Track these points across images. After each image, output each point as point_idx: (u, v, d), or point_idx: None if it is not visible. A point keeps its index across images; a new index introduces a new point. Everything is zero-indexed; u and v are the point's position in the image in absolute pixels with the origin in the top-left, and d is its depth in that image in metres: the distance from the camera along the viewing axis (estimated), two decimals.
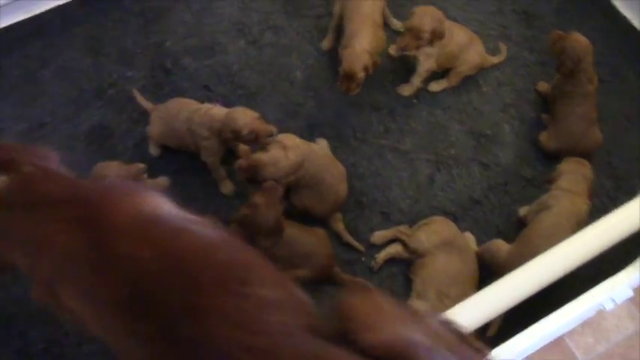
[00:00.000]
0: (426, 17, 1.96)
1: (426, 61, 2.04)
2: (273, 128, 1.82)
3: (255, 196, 1.72)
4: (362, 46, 1.93)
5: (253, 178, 1.76)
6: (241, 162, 1.76)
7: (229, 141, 1.81)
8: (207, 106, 1.87)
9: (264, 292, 1.02)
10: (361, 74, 1.91)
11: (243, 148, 1.88)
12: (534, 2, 2.33)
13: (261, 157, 1.76)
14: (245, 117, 1.77)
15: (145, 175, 1.73)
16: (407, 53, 2.05)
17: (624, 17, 2.28)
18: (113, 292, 1.03)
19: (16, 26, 2.16)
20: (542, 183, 1.92)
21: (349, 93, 1.95)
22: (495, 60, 2.17)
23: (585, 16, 2.28)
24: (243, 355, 0.94)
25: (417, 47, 1.99)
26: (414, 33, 1.97)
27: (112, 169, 1.66)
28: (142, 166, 1.70)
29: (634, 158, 2.03)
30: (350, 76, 1.91)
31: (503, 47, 2.19)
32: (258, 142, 1.79)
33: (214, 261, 1.04)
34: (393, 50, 2.14)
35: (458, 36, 2.06)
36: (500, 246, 1.76)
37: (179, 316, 0.99)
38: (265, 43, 2.17)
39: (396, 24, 2.20)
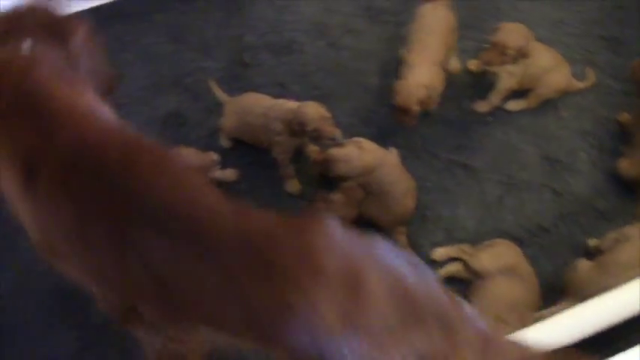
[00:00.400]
0: (512, 34, 1.93)
1: (508, 79, 2.00)
2: (337, 131, 1.81)
3: (334, 193, 1.73)
4: (418, 79, 1.86)
5: (325, 172, 1.79)
6: (316, 155, 1.77)
7: (298, 134, 1.81)
8: (282, 101, 1.89)
9: None
10: (416, 108, 1.85)
11: (312, 148, 1.89)
12: (624, 28, 2.25)
13: (336, 152, 1.77)
14: (314, 113, 1.77)
15: (218, 167, 1.75)
16: (488, 69, 2.01)
17: None
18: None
19: (100, 8, 2.21)
20: (615, 216, 1.86)
21: (404, 125, 1.90)
22: (581, 85, 2.10)
23: None
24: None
25: (501, 63, 1.95)
26: (499, 48, 1.93)
27: (188, 156, 1.69)
28: (215, 157, 1.72)
29: None
30: (404, 110, 1.86)
31: (590, 73, 2.12)
32: (320, 140, 1.80)
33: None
34: (472, 65, 2.11)
35: (544, 57, 2.01)
36: (583, 265, 1.71)
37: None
38: (344, 46, 2.17)
39: (456, 66, 2.12)
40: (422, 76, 1.87)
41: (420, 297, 1.02)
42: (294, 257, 1.01)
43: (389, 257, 1.07)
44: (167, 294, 1.06)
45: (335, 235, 1.05)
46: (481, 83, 2.09)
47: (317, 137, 1.79)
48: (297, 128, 1.78)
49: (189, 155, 1.71)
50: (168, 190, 1.05)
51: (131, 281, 1.08)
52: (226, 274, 1.01)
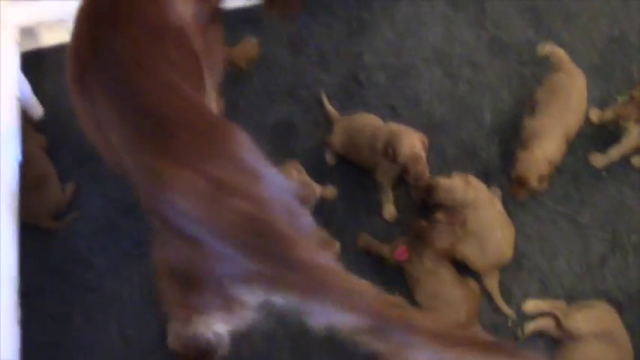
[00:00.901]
0: None
1: (637, 138, 1.91)
2: (425, 173, 1.79)
3: (439, 212, 1.76)
4: (545, 153, 1.78)
5: (426, 198, 1.82)
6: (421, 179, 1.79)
7: (391, 159, 1.80)
8: (391, 124, 1.89)
9: None
10: (535, 184, 1.78)
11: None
12: None
13: (441, 180, 1.79)
14: (409, 147, 1.76)
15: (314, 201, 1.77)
16: (620, 122, 1.93)
17: None
18: None
19: (232, 13, 2.28)
20: None
21: (517, 198, 1.83)
22: None
23: None
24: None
25: (636, 120, 1.87)
26: (638, 104, 1.86)
27: (293, 173, 1.73)
28: (318, 190, 1.76)
29: None
30: (522, 183, 1.78)
31: None
32: (406, 174, 1.79)
33: None
34: (594, 116, 2.02)
35: None
36: None
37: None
38: (461, 77, 2.13)
39: (596, 114, 2.03)
40: (550, 150, 1.79)
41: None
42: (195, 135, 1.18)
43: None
44: None
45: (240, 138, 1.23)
46: (600, 134, 2.01)
47: (404, 171, 1.79)
48: (390, 152, 1.78)
49: (296, 173, 1.75)
50: None
51: None
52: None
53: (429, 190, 1.80)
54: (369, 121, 1.92)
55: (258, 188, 1.18)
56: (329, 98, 2.06)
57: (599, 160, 1.97)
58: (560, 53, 1.97)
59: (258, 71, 2.15)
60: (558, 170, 1.96)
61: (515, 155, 1.85)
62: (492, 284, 1.78)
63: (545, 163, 1.78)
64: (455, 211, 1.76)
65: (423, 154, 1.76)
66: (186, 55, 1.37)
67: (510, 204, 1.89)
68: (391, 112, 2.07)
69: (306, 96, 2.11)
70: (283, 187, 1.27)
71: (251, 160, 1.21)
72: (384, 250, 1.81)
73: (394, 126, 1.85)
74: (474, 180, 1.82)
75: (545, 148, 1.79)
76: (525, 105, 1.99)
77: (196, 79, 1.39)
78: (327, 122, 2.02)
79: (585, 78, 1.93)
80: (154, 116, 1.20)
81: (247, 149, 1.23)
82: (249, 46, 2.15)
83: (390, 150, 1.77)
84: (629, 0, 2.23)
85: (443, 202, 1.79)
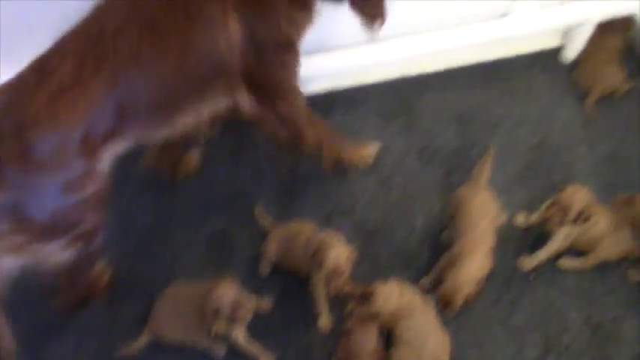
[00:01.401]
0: (577, 196, 1.94)
1: (562, 240, 1.98)
2: (344, 289, 1.82)
3: (350, 321, 1.73)
4: (469, 273, 1.81)
5: (360, 303, 1.81)
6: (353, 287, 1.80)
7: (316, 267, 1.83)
8: (325, 233, 1.92)
9: None
10: (460, 302, 1.81)
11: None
12: None
13: (379, 286, 1.79)
14: (335, 259, 1.79)
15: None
16: (543, 225, 2.02)
17: None
18: None
19: None
20: None
21: (444, 313, 1.85)
22: None
23: None
24: None
25: (560, 223, 1.95)
26: (562, 208, 1.94)
27: (226, 291, 1.75)
28: (252, 306, 1.78)
29: None
30: (448, 302, 1.82)
31: None
32: (327, 285, 1.82)
33: None
34: (521, 220, 2.10)
35: (604, 220, 1.98)
36: None
37: None
38: (393, 185, 2.21)
39: (522, 218, 2.12)
40: (475, 269, 1.82)
41: None
42: None
43: None
44: None
45: None
46: (527, 237, 2.08)
47: (326, 282, 1.81)
48: (317, 262, 1.80)
49: (230, 289, 1.76)
50: None
51: None
52: None
53: (367, 295, 1.81)
54: (303, 229, 1.95)
55: None
56: (264, 208, 2.10)
57: (527, 263, 2.03)
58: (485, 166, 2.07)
59: (194, 182, 2.19)
60: (490, 274, 2.00)
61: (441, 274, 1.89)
62: None
63: (471, 284, 1.82)
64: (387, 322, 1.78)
65: (346, 269, 1.79)
66: None
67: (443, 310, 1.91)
68: (326, 221, 2.12)
69: (241, 206, 2.14)
70: None
71: None
72: None
73: (327, 236, 1.89)
74: (407, 287, 1.85)
75: (472, 267, 1.83)
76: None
77: None
78: (263, 232, 2.05)
79: (489, 192, 2.01)
80: None
81: None
82: (191, 160, 2.20)
83: (317, 258, 1.80)
84: (547, 108, 2.39)
85: (377, 311, 1.80)
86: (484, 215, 1.92)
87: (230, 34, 1.62)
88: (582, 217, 1.93)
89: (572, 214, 1.92)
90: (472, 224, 1.89)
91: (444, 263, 1.90)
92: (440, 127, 2.33)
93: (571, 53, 2.49)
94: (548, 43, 2.54)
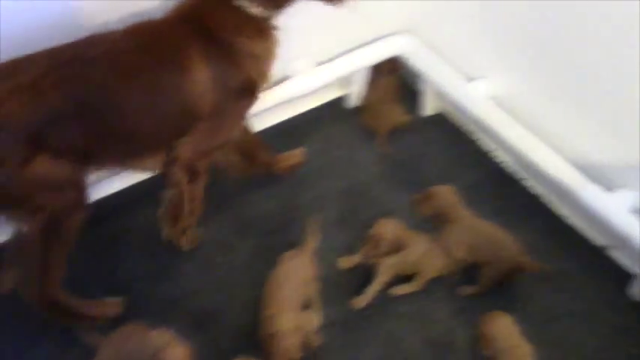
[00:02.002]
0: (386, 227, 2.09)
1: (385, 272, 2.10)
2: None
3: None
4: (285, 327, 1.86)
5: None
6: None
7: None
8: (159, 334, 1.87)
9: None
10: (298, 355, 1.86)
11: None
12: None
13: None
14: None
15: None
16: (365, 262, 2.12)
17: (560, 217, 2.41)
18: None
19: None
20: None
21: None
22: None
23: (525, 217, 2.39)
24: None
25: (376, 256, 2.06)
26: (374, 241, 2.07)
27: None
28: None
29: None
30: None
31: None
32: None
33: None
34: (345, 263, 2.20)
35: (420, 244, 2.14)
36: None
37: None
38: (216, 265, 2.21)
39: (345, 261, 2.22)
40: (287, 323, 1.87)
41: None
42: None
43: None
44: None
45: None
46: (356, 279, 2.18)
47: None
48: None
49: None
50: None
51: None
52: None
53: None
54: (132, 334, 1.88)
55: None
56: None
57: (359, 302, 2.12)
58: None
59: None
60: (329, 323, 2.06)
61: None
62: None
63: (291, 335, 1.85)
64: None
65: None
66: None
67: None
68: (156, 320, 2.05)
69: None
70: None
71: None
72: None
73: (159, 337, 1.83)
74: None
75: (283, 322, 1.87)
76: None
77: None
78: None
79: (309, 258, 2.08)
80: None
81: None
82: None
83: None
84: (346, 153, 2.55)
85: None
86: (294, 276, 1.98)
87: (196, 78, 1.72)
88: (397, 247, 2.07)
89: (385, 246, 2.05)
90: (279, 285, 1.96)
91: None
92: (250, 194, 2.40)
93: (354, 99, 2.71)
94: (334, 93, 2.74)
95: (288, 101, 2.51)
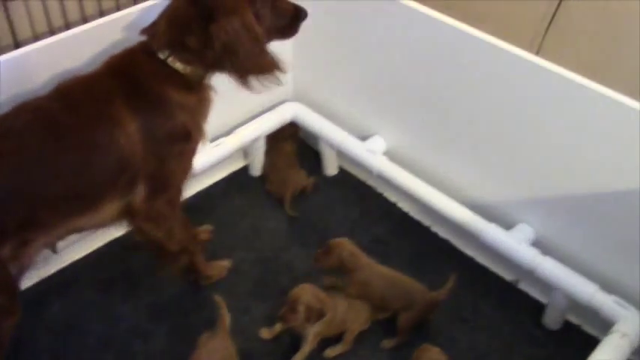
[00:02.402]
0: (301, 292, 2.06)
1: (312, 340, 2.07)
2: None
3: None
4: None
5: None
6: None
7: None
8: None
9: None
10: None
11: None
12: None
13: None
14: None
15: None
16: (287, 329, 2.10)
17: (469, 257, 2.49)
18: None
19: None
20: None
21: None
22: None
23: (437, 262, 2.45)
24: None
25: (296, 322, 2.03)
26: (291, 305, 2.04)
27: None
28: None
29: None
30: None
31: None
32: None
33: None
34: (266, 334, 2.16)
35: (340, 302, 2.13)
36: None
37: None
38: (135, 352, 2.11)
39: (266, 331, 2.19)
40: None
41: None
42: None
43: None
44: None
45: None
46: (282, 347, 2.14)
47: None
48: None
49: None
50: None
51: None
52: None
53: None
54: None
55: None
56: None
57: None
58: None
59: None
60: None
61: None
62: None
63: None
64: None
65: None
66: None
67: None
68: None
69: None
70: None
71: None
72: None
73: None
74: None
75: None
76: None
77: None
78: None
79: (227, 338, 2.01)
80: None
81: None
82: None
83: None
84: (255, 223, 2.55)
85: None
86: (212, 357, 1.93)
87: (127, 130, 1.71)
88: (313, 313, 2.05)
89: (303, 311, 2.03)
90: None
91: None
92: (162, 278, 2.33)
93: (257, 167, 2.73)
94: (236, 165, 2.75)
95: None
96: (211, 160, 2.48)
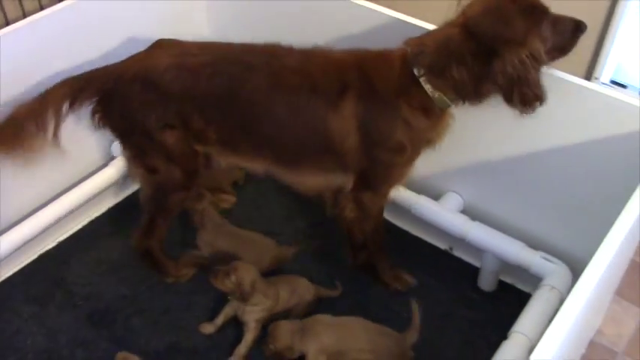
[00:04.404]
0: (245, 268, 2.05)
1: (254, 328, 2.08)
2: None
3: None
4: None
5: None
6: None
7: None
8: None
9: None
10: None
11: None
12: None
13: None
14: None
15: None
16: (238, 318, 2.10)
17: (405, 231, 2.54)
18: None
19: None
20: None
21: None
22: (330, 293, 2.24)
23: None
24: None
25: (219, 284, 2.04)
26: (228, 271, 2.04)
27: None
28: None
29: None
30: None
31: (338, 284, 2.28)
32: None
33: None
34: (207, 328, 2.15)
35: (284, 291, 2.13)
36: None
37: None
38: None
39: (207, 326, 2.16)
40: None
41: None
42: None
43: None
44: None
45: None
46: (222, 342, 2.14)
47: None
48: None
49: None
50: None
51: None
52: None
53: None
54: None
55: None
56: None
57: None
58: None
59: None
60: None
61: None
62: None
63: None
64: None
65: None
66: None
67: None
68: None
69: None
70: None
71: None
72: None
73: None
74: None
75: None
76: None
77: None
78: None
79: None
80: None
81: None
82: None
83: None
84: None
85: None
86: None
87: (343, 120, 1.79)
88: (240, 294, 2.03)
89: (231, 284, 2.02)
90: None
91: None
92: (99, 280, 2.30)
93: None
94: None
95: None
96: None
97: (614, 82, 2.87)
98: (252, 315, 2.07)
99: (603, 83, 2.87)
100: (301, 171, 1.98)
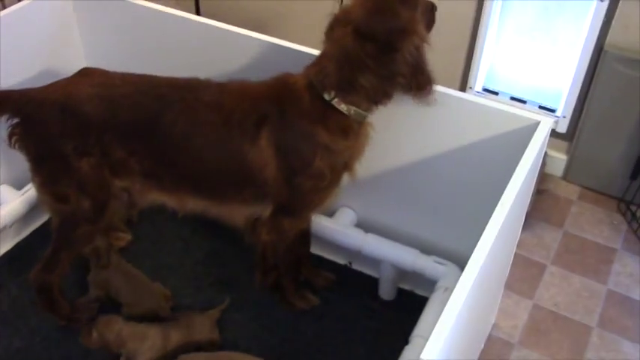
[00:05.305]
0: (108, 322, 2.02)
1: None
2: None
3: None
4: None
5: None
6: None
7: None
8: None
9: None
10: None
11: None
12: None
13: None
14: None
15: None
16: None
17: None
18: None
19: None
20: None
21: None
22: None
23: None
24: None
25: (88, 342, 1.99)
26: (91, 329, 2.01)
27: None
28: None
29: None
30: None
31: None
32: None
33: None
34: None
35: (175, 331, 2.08)
36: None
37: None
38: None
39: None
40: None
41: None
42: None
43: None
44: None
45: None
46: None
47: None
48: None
49: None
50: None
51: None
52: None
53: None
54: None
55: None
56: None
57: None
58: None
59: None
60: None
61: None
62: None
63: None
64: None
65: None
66: None
67: None
68: None
69: None
70: None
71: None
72: None
73: None
74: None
75: None
76: None
77: None
78: None
79: None
80: None
81: None
82: None
83: None
84: None
85: None
86: None
87: (260, 151, 1.79)
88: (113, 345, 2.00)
89: (95, 339, 1.99)
90: None
91: None
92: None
93: None
94: None
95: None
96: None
97: (486, 90, 3.06)
98: (142, 357, 2.01)
99: (477, 92, 3.05)
100: (226, 204, 1.97)
